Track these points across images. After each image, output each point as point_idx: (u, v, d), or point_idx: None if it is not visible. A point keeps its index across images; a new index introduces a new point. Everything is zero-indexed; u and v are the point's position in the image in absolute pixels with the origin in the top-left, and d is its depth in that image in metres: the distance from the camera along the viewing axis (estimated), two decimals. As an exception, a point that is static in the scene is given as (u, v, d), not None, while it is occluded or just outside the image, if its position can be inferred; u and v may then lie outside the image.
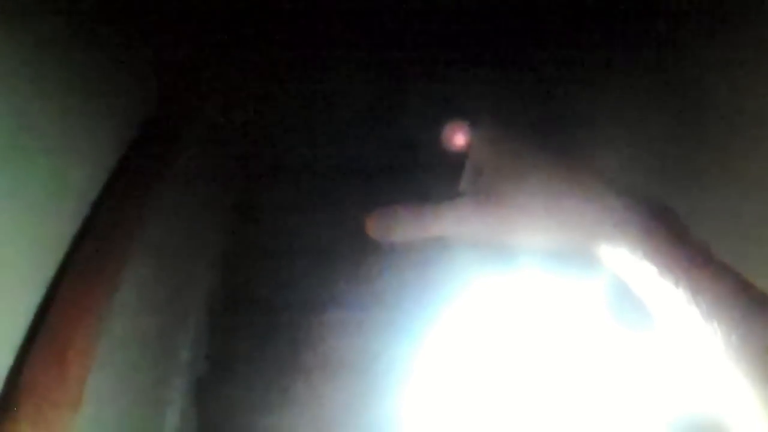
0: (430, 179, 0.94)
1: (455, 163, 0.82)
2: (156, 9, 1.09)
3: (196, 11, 1.20)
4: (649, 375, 0.87)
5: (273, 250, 1.24)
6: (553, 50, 1.30)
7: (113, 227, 0.92)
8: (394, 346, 1.15)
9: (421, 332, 1.11)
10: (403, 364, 1.13)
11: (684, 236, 0.72)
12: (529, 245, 0.76)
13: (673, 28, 1.25)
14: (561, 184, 0.76)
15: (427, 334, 1.10)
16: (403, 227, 0.80)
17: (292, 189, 1.28)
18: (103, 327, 0.86)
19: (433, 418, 1.09)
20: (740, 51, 1.16)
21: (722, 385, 0.66)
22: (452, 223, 0.78)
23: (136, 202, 0.97)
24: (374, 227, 0.80)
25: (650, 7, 1.27)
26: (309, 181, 1.28)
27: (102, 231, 0.90)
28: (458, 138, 0.81)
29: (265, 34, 1.34)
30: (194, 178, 1.16)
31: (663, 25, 1.26)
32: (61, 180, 0.86)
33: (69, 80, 0.88)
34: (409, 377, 1.11)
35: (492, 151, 0.80)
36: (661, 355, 0.78)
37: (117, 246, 0.92)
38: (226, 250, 1.24)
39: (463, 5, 1.34)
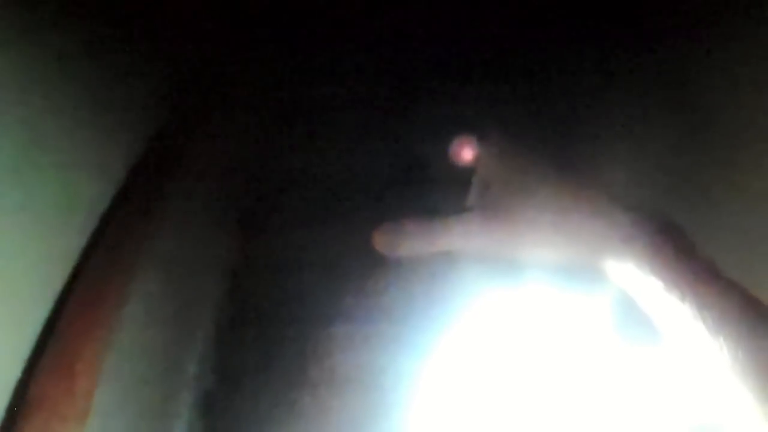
0: (438, 194, 0.94)
1: (463, 177, 0.82)
2: (165, 25, 1.09)
3: (205, 27, 1.20)
4: (655, 389, 0.87)
5: (280, 265, 1.24)
6: (560, 66, 1.30)
7: (122, 241, 0.92)
8: (401, 359, 1.15)
9: (428, 346, 1.12)
10: (410, 377, 1.13)
11: (690, 252, 0.71)
12: (536, 260, 0.76)
13: (679, 44, 1.25)
14: (568, 199, 0.76)
15: (435, 348, 1.10)
16: (410, 242, 0.80)
17: (300, 204, 1.29)
18: (111, 340, 0.86)
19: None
20: (747, 66, 1.16)
21: (728, 399, 0.66)
22: (460, 237, 0.78)
23: (145, 217, 0.97)
24: (382, 242, 0.80)
25: (657, 24, 1.28)
26: (317, 195, 1.29)
27: (111, 245, 0.91)
28: (466, 153, 0.81)
29: (274, 49, 1.35)
30: (202, 192, 1.16)
31: (670, 40, 1.26)
32: (71, 194, 0.87)
33: (79, 96, 0.88)
34: (417, 391, 1.11)
35: (499, 166, 0.80)
36: (667, 369, 0.78)
37: (125, 260, 0.92)
38: (233, 264, 1.25)
39: (470, 22, 1.34)
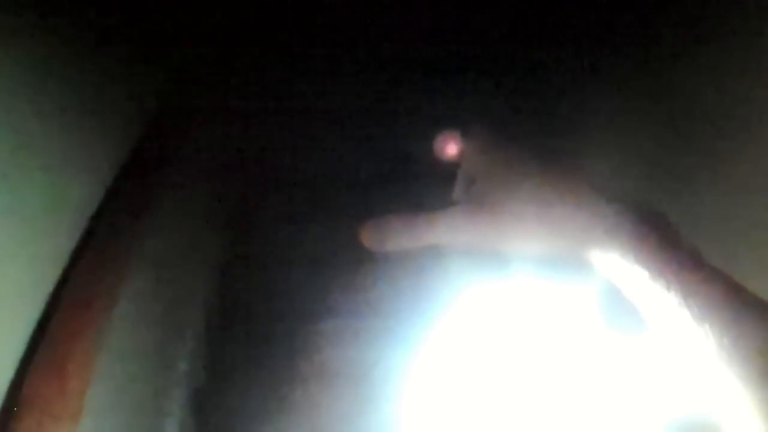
0: (424, 189, 0.94)
1: (448, 172, 0.82)
2: (152, 26, 1.10)
3: (191, 27, 1.20)
4: (642, 378, 0.87)
5: (269, 261, 1.25)
6: (542, 59, 1.31)
7: (111, 241, 0.93)
8: (390, 354, 1.16)
9: (416, 340, 1.12)
10: (399, 372, 1.13)
11: (674, 240, 0.72)
12: (521, 252, 0.77)
13: (661, 34, 1.26)
14: (552, 191, 0.76)
15: (423, 341, 1.11)
16: (397, 236, 0.80)
17: (287, 200, 1.29)
18: (103, 340, 0.86)
19: (429, 426, 1.09)
20: (729, 56, 1.17)
21: (715, 387, 0.67)
22: (446, 231, 0.79)
23: (134, 217, 0.98)
24: (369, 237, 0.80)
25: (639, 13, 1.28)
26: (304, 192, 1.29)
27: (100, 245, 0.91)
28: (450, 147, 0.82)
29: (261, 47, 1.35)
30: (190, 192, 1.16)
31: (651, 31, 1.27)
32: (60, 196, 0.87)
33: (66, 98, 0.88)
34: (406, 385, 1.12)
35: (484, 160, 0.80)
36: (653, 358, 0.78)
37: (115, 260, 0.92)
38: (223, 261, 1.25)
39: (453, 17, 1.34)
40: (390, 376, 1.14)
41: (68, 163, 0.89)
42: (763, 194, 1.08)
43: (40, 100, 0.83)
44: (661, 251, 0.71)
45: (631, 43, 1.27)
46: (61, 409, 0.79)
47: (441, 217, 0.79)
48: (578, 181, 0.77)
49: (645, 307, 0.71)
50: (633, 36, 1.28)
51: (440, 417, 1.09)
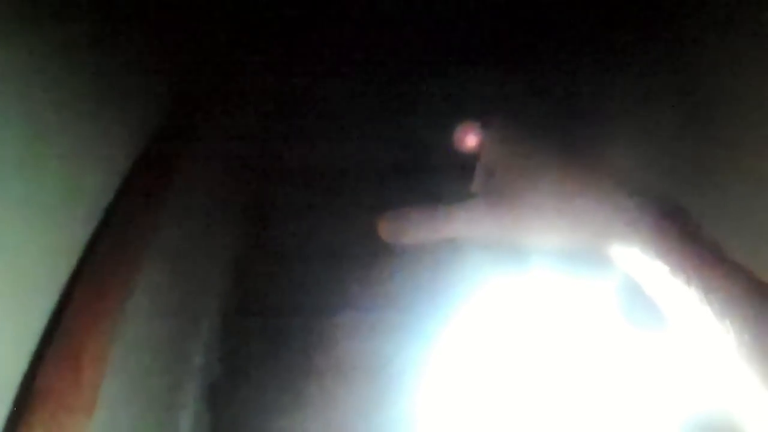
0: (442, 181, 0.94)
1: (467, 164, 0.82)
2: (168, 17, 1.09)
3: (204, 19, 1.20)
4: (660, 374, 0.86)
5: (285, 254, 1.25)
6: (563, 50, 1.30)
7: (126, 233, 0.92)
8: (406, 348, 1.15)
9: (433, 334, 1.12)
10: (415, 366, 1.13)
11: (696, 235, 0.71)
12: (541, 245, 0.76)
13: (684, 26, 1.25)
14: (572, 183, 0.75)
15: (440, 335, 1.11)
16: (415, 229, 0.80)
17: (304, 192, 1.29)
18: (117, 332, 0.86)
19: (445, 420, 1.09)
20: (752, 49, 1.16)
21: (735, 384, 0.66)
22: (464, 224, 0.78)
23: (149, 208, 0.97)
24: (386, 230, 0.80)
25: (661, 5, 1.27)
26: (320, 184, 1.29)
27: (115, 236, 0.91)
28: (469, 139, 0.81)
29: (273, 37, 1.35)
30: (206, 183, 1.16)
31: (674, 23, 1.26)
32: (75, 186, 0.87)
33: (82, 88, 0.88)
34: (422, 379, 1.11)
35: (503, 152, 0.79)
36: (673, 354, 0.78)
37: (130, 251, 0.92)
38: (238, 254, 1.25)
39: (471, 6, 1.34)
40: (406, 370, 1.14)
41: (84, 153, 0.89)
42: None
43: (55, 89, 0.83)
44: (682, 246, 0.70)
45: (656, 34, 1.27)
46: (75, 401, 0.79)
47: (459, 209, 0.78)
48: (599, 173, 0.77)
49: (665, 303, 0.70)
50: (658, 26, 1.27)
51: (456, 411, 1.09)
